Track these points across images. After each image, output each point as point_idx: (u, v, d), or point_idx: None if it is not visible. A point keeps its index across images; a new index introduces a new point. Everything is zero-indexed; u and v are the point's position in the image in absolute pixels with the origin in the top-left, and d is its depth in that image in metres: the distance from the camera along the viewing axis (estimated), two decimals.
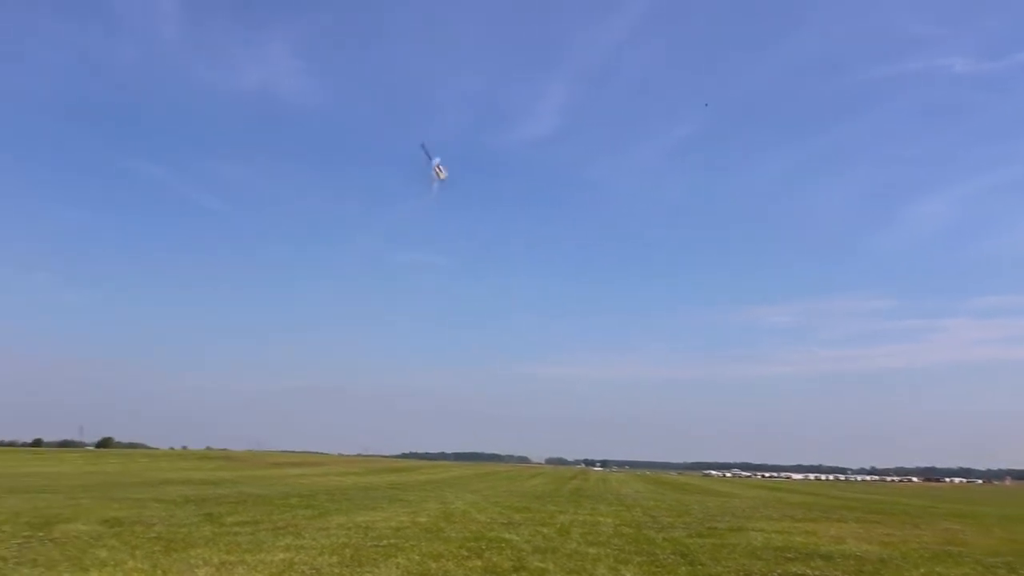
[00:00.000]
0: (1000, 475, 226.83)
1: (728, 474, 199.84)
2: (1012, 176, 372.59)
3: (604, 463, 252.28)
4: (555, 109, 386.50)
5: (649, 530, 18.88)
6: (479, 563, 12.34)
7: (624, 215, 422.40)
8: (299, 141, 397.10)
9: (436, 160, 46.38)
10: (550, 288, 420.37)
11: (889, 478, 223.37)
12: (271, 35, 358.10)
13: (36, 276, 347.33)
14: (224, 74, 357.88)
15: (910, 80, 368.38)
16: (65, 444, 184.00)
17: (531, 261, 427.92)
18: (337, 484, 42.42)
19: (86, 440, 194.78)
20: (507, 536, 16.12)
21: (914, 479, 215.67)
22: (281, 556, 12.32)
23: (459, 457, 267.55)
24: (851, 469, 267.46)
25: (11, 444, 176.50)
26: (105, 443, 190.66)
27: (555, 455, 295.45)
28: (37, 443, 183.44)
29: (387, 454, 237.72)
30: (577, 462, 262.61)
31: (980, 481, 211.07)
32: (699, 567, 12.87)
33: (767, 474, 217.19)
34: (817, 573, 12.71)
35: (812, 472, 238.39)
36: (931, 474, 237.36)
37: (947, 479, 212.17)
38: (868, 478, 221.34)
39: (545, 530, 17.78)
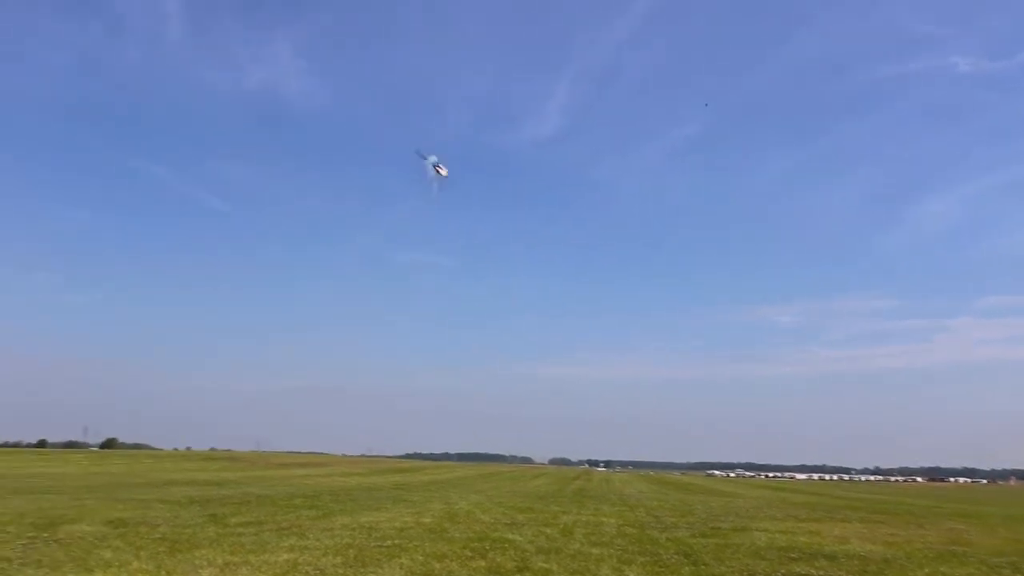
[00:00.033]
0: (1005, 475, 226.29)
1: (732, 474, 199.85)
2: (1016, 176, 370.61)
3: (607, 463, 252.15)
4: (558, 109, 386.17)
5: (653, 530, 18.88)
6: (483, 563, 12.35)
7: (627, 215, 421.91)
8: (301, 141, 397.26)
9: (432, 158, 46.37)
10: (553, 288, 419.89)
11: (893, 478, 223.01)
12: (274, 35, 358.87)
13: (39, 276, 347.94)
14: (227, 74, 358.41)
15: (914, 80, 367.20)
16: (69, 445, 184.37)
17: (534, 261, 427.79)
18: (341, 484, 42.46)
19: (90, 441, 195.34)
20: (511, 536, 16.12)
21: (918, 479, 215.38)
22: (285, 557, 12.34)
23: (462, 457, 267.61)
24: (855, 469, 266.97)
25: (15, 445, 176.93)
26: (109, 444, 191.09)
27: (558, 455, 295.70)
28: (41, 444, 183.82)
29: (390, 454, 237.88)
30: (580, 462, 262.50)
31: (984, 481, 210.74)
32: (703, 567, 12.86)
33: (771, 474, 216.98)
34: (821, 573, 12.69)
35: (816, 472, 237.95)
36: (935, 474, 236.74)
37: (951, 479, 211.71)
38: (872, 478, 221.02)
39: (549, 530, 17.79)
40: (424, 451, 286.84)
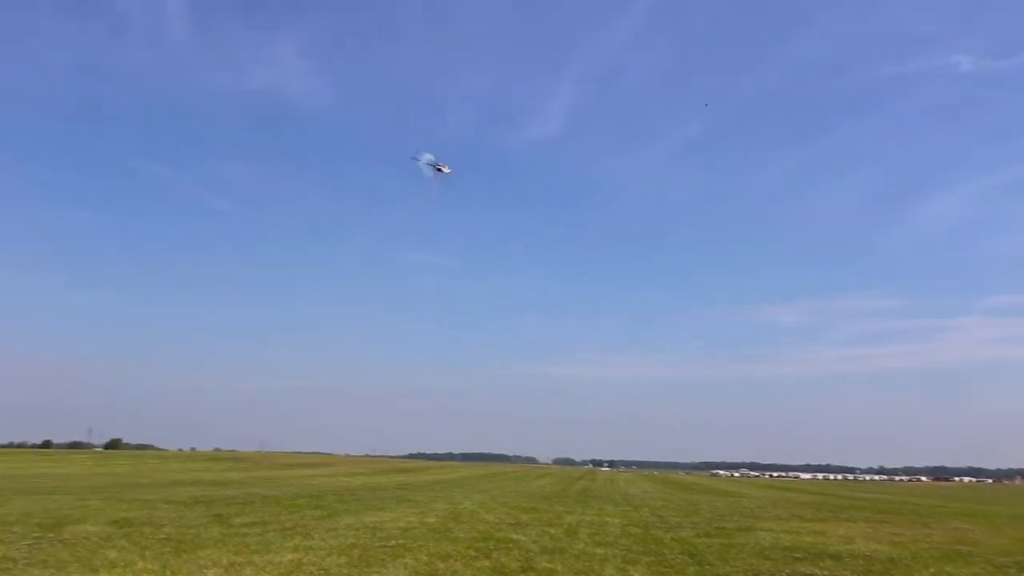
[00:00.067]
0: (1010, 474, 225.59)
1: (736, 474, 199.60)
2: (1019, 175, 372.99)
3: (611, 463, 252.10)
4: (559, 110, 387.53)
5: (657, 530, 18.85)
6: (487, 563, 12.34)
7: (630, 215, 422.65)
8: (302, 141, 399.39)
9: (427, 157, 46.29)
10: (556, 288, 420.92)
11: (898, 478, 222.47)
12: (276, 36, 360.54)
13: (44, 277, 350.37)
14: (229, 74, 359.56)
15: (916, 79, 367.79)
16: (74, 446, 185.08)
17: (536, 261, 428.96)
18: (345, 485, 42.50)
19: (95, 442, 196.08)
20: (515, 536, 16.11)
21: (923, 479, 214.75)
22: (290, 557, 12.35)
23: (466, 457, 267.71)
24: (860, 469, 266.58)
25: (21, 446, 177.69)
26: (113, 444, 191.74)
27: (562, 455, 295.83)
28: (46, 444, 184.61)
29: (394, 455, 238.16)
30: (584, 462, 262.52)
31: (990, 481, 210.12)
32: (707, 567, 12.83)
33: (775, 474, 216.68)
34: (826, 573, 12.66)
35: (821, 472, 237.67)
36: (940, 473, 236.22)
37: (956, 479, 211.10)
38: (877, 478, 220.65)
39: (553, 530, 17.77)
40: (428, 451, 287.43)
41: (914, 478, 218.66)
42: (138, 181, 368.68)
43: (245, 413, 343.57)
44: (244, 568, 11.28)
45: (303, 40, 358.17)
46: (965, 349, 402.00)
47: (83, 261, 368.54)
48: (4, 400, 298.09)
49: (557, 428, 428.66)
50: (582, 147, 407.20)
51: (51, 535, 14.31)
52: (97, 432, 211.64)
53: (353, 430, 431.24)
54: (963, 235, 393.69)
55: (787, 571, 12.68)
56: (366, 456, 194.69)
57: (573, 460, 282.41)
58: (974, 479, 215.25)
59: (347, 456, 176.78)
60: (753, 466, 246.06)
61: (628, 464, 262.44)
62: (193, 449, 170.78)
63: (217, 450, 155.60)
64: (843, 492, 67.93)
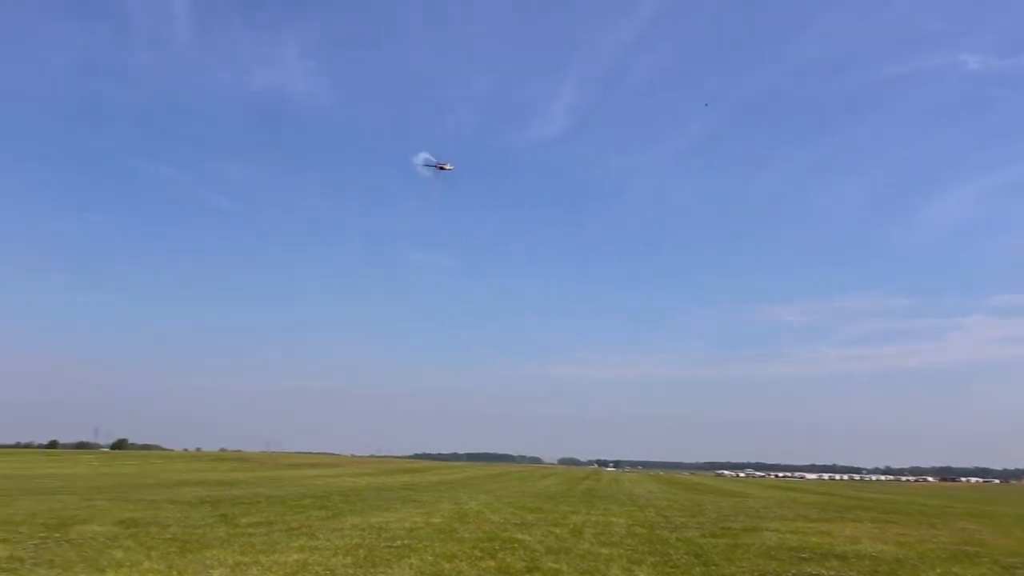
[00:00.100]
0: (1018, 474, 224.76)
1: (742, 474, 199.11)
2: None
3: (617, 463, 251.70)
4: (563, 110, 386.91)
5: (662, 530, 18.83)
6: (492, 564, 12.34)
7: (636, 215, 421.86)
8: (306, 141, 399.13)
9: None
10: (561, 288, 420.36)
11: (904, 478, 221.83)
12: (280, 36, 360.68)
13: (50, 278, 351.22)
14: (233, 75, 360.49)
15: (924, 78, 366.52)
16: (80, 446, 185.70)
17: (540, 260, 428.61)
18: (351, 485, 42.57)
19: (101, 442, 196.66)
20: (520, 537, 16.11)
21: (930, 479, 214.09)
22: (295, 557, 12.37)
23: (471, 458, 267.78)
24: (866, 469, 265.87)
25: (27, 446, 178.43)
26: (120, 445, 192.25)
27: (567, 455, 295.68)
28: (53, 445, 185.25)
29: (399, 455, 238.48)
30: (590, 462, 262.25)
31: (997, 481, 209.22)
32: (713, 567, 12.80)
33: (781, 474, 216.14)
34: (832, 573, 12.62)
35: (826, 472, 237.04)
36: (947, 474, 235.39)
37: (963, 479, 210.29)
38: (883, 478, 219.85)
39: (558, 530, 17.77)
40: (433, 451, 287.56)
41: (920, 478, 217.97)
42: (141, 181, 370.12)
43: (250, 413, 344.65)
44: (250, 568, 11.29)
45: (305, 40, 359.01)
46: (970, 348, 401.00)
47: (86, 261, 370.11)
48: (11, 400, 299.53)
49: (562, 428, 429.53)
50: (584, 147, 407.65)
51: (57, 535, 14.36)
52: (103, 432, 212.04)
53: (358, 431, 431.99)
54: (968, 234, 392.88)
55: (793, 571, 12.64)
56: (371, 456, 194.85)
57: (578, 460, 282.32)
58: (981, 479, 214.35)
59: (352, 456, 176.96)
60: (758, 466, 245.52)
61: (633, 464, 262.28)
62: (199, 449, 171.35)
63: (222, 450, 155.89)
64: (849, 492, 67.75)
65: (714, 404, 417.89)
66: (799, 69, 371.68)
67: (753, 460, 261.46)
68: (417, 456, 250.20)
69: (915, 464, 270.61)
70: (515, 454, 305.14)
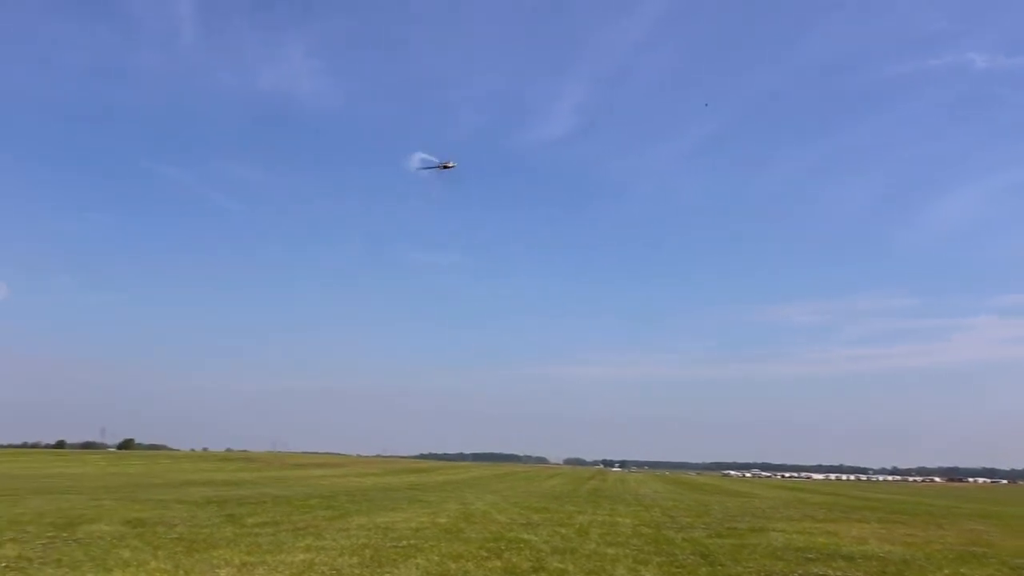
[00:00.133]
0: None
1: (748, 474, 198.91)
2: None
3: (622, 463, 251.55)
4: (569, 110, 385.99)
5: (668, 530, 18.81)
6: (498, 564, 12.34)
7: (642, 215, 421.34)
8: (312, 141, 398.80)
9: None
10: (562, 287, 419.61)
11: (911, 478, 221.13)
12: (286, 37, 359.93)
13: (57, 279, 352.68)
14: (239, 75, 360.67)
15: (930, 77, 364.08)
16: (87, 446, 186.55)
17: (541, 260, 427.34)
18: (357, 485, 42.64)
19: (108, 442, 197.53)
20: (526, 537, 16.11)
21: (937, 479, 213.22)
22: (301, 557, 12.39)
23: (477, 457, 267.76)
24: (872, 469, 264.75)
25: (35, 446, 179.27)
26: (127, 445, 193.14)
27: (573, 455, 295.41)
28: (60, 445, 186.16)
29: (405, 455, 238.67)
30: (595, 462, 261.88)
31: (1004, 481, 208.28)
32: (719, 568, 12.78)
33: (787, 474, 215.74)
34: (839, 574, 12.59)
35: (833, 472, 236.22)
36: (954, 474, 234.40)
37: (970, 479, 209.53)
38: (890, 478, 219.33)
39: (564, 531, 17.76)
40: (439, 451, 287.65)
41: (927, 478, 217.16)
42: (147, 182, 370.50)
43: (252, 413, 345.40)
44: (256, 568, 11.32)
45: (312, 40, 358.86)
46: (978, 348, 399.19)
47: (92, 262, 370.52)
48: (19, 401, 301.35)
49: (567, 428, 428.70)
50: (587, 148, 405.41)
51: (65, 535, 14.42)
52: (110, 432, 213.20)
53: (364, 431, 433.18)
54: (975, 233, 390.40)
55: (800, 572, 12.61)
56: (377, 456, 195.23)
57: (584, 460, 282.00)
58: (988, 480, 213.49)
59: (358, 456, 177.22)
60: (765, 466, 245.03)
61: (639, 464, 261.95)
62: (205, 449, 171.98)
63: (229, 450, 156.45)
64: (856, 492, 67.55)
65: (720, 404, 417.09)
66: (803, 69, 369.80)
67: (759, 460, 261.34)
68: (423, 456, 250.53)
69: (922, 464, 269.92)
70: (521, 454, 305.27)
